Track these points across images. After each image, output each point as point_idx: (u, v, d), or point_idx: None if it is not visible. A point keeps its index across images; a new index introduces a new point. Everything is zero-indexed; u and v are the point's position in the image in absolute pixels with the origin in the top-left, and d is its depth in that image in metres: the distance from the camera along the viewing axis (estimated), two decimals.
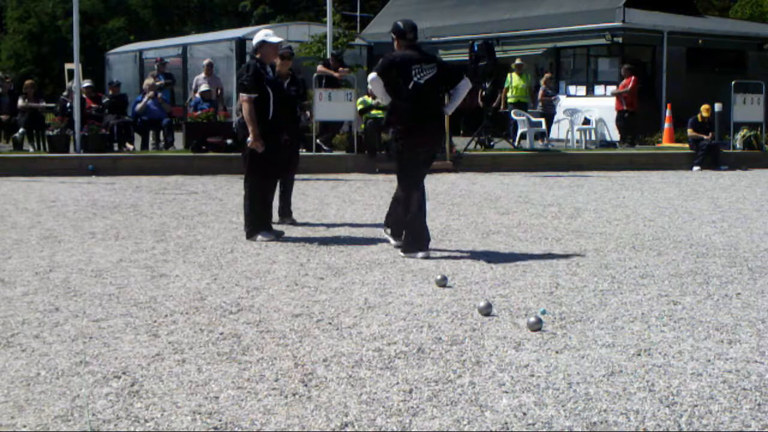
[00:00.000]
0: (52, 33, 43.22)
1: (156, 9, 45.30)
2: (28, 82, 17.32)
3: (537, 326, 4.88)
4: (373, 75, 7.30)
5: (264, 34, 7.88)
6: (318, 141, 15.56)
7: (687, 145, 17.65)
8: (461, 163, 15.46)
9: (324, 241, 7.89)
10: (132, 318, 5.10)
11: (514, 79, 18.53)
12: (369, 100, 14.99)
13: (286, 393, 3.83)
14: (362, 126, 15.15)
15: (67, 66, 23.49)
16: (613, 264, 6.91)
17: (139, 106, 16.90)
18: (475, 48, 17.24)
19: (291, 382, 3.97)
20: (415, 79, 7.13)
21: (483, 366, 4.24)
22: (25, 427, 3.43)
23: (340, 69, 15.98)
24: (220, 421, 3.50)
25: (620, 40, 21.78)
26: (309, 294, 5.77)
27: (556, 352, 4.48)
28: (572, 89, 23.03)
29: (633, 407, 3.70)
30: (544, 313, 5.19)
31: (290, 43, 12.11)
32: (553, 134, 19.82)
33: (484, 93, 17.85)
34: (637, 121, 19.73)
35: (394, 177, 7.76)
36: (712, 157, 16.88)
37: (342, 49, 19.53)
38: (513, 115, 18.43)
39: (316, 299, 5.62)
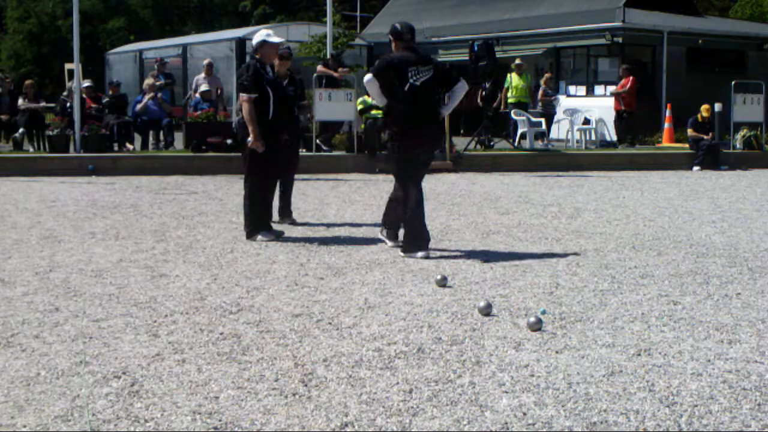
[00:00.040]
0: (52, 33, 43.22)
1: (156, 9, 45.30)
2: (28, 82, 17.32)
3: (537, 326, 4.88)
4: (368, 76, 7.35)
5: (265, 34, 7.88)
6: (318, 141, 15.56)
7: (687, 145, 17.65)
8: (461, 163, 15.46)
9: (324, 241, 7.89)
10: (132, 318, 5.10)
11: (513, 79, 18.53)
12: (369, 100, 14.98)
13: (286, 393, 3.83)
14: (362, 126, 15.15)
15: (67, 66, 23.50)
16: (613, 264, 6.91)
17: (139, 106, 16.90)
18: (475, 48, 17.24)
19: (291, 382, 3.97)
20: (411, 80, 7.16)
21: (483, 366, 4.24)
22: (25, 427, 3.43)
23: (340, 69, 15.98)
24: (220, 421, 3.50)
25: (620, 40, 21.79)
26: (309, 294, 5.77)
27: (556, 352, 4.48)
28: (572, 89, 23.03)
29: (633, 407, 3.70)
30: (544, 313, 5.19)
31: (290, 43, 12.11)
32: (553, 134, 19.83)
33: (484, 93, 17.85)
34: (636, 121, 19.73)
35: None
36: (712, 157, 16.88)
37: (342, 49, 19.53)
38: (513, 115, 18.43)
39: (316, 299, 5.62)
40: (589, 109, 20.46)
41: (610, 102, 20.05)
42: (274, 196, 8.35)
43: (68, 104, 15.85)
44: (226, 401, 3.73)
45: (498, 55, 19.12)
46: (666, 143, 19.95)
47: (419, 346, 4.56)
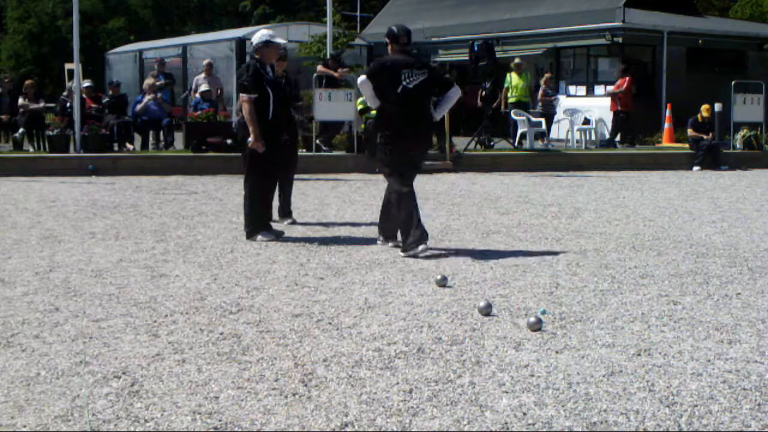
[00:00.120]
0: (52, 33, 43.23)
1: (156, 9, 45.31)
2: (28, 82, 17.33)
3: (537, 326, 4.88)
4: (362, 78, 7.45)
5: (267, 34, 7.88)
6: (318, 141, 15.56)
7: (687, 145, 17.65)
8: (461, 163, 15.46)
9: (324, 241, 7.89)
10: (132, 318, 5.10)
11: (513, 79, 18.52)
12: None
13: (286, 393, 3.83)
14: (362, 126, 15.15)
15: (67, 66, 23.50)
16: (613, 264, 6.91)
17: (139, 106, 16.91)
18: (475, 48, 17.26)
19: (291, 382, 3.97)
20: (404, 83, 7.24)
21: (483, 366, 4.24)
22: (25, 427, 3.43)
23: (340, 69, 15.98)
24: (220, 421, 3.50)
25: (620, 40, 21.79)
26: (309, 294, 5.77)
27: (556, 352, 4.48)
28: (572, 89, 23.04)
29: (633, 407, 3.70)
30: (544, 313, 5.19)
31: (290, 43, 12.12)
32: (553, 134, 19.83)
33: (484, 93, 17.85)
34: (633, 121, 19.74)
35: None
36: (712, 157, 16.88)
37: (342, 49, 19.52)
38: (513, 115, 18.43)
39: (316, 299, 5.62)
40: (589, 109, 20.46)
41: (608, 102, 20.07)
42: (274, 196, 8.35)
43: (68, 104, 15.85)
44: (226, 401, 3.73)
45: (498, 55, 19.12)
46: (666, 143, 19.95)
47: (419, 346, 4.56)
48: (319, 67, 16.27)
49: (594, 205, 10.82)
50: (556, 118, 19.83)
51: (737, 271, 6.68)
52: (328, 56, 16.76)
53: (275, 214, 8.72)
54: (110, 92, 17.24)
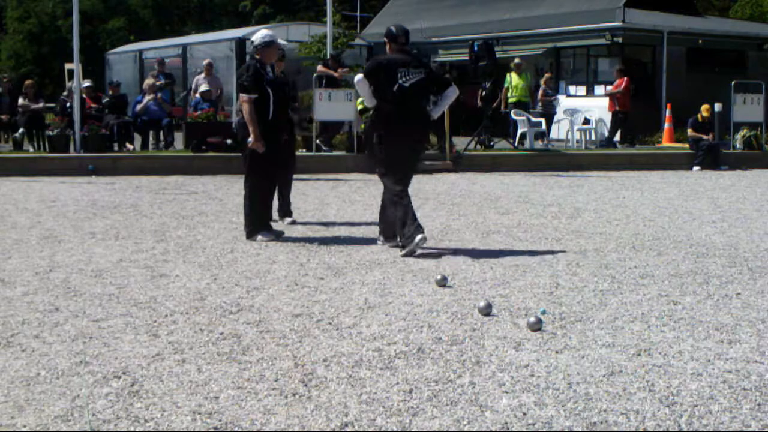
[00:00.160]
0: (52, 33, 43.24)
1: (156, 9, 45.32)
2: (28, 82, 17.32)
3: (537, 326, 4.88)
4: (359, 76, 7.53)
5: (268, 35, 7.89)
6: (318, 141, 15.57)
7: (687, 145, 17.66)
8: (461, 163, 15.46)
9: (324, 241, 7.89)
10: (132, 318, 5.10)
11: (513, 79, 18.53)
12: None
13: (286, 393, 3.83)
14: (362, 126, 15.15)
15: (67, 66, 23.52)
16: (613, 264, 6.91)
17: (139, 106, 16.91)
18: (475, 48, 17.26)
19: (291, 382, 3.97)
20: (400, 81, 7.28)
21: (483, 366, 4.24)
22: (25, 427, 3.43)
23: (340, 69, 15.98)
24: (220, 421, 3.50)
25: (620, 40, 21.80)
26: (309, 294, 5.78)
27: (556, 352, 4.48)
28: (572, 89, 23.04)
29: (633, 407, 3.70)
30: (544, 313, 5.19)
31: (290, 43, 12.11)
32: (553, 134, 19.83)
33: (484, 93, 17.85)
34: (632, 121, 19.75)
35: None
36: (712, 157, 16.89)
37: (342, 49, 19.52)
38: (513, 115, 18.44)
39: (316, 299, 5.62)
40: (589, 109, 20.47)
41: (605, 103, 20.07)
42: (274, 196, 8.36)
43: (68, 104, 15.85)
44: (226, 401, 3.73)
45: (498, 55, 19.13)
46: (666, 143, 19.95)
47: (419, 346, 4.56)
48: (319, 67, 16.27)
49: (594, 205, 10.82)
50: (556, 118, 19.83)
51: (737, 271, 6.68)
52: (328, 56, 16.76)
53: (275, 215, 8.72)
54: (110, 92, 17.24)
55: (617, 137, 19.94)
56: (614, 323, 5.08)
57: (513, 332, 4.85)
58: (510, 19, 24.31)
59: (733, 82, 18.02)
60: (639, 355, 4.45)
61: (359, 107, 15.13)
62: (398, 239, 7.42)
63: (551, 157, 16.99)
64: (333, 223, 9.08)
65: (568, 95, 22.51)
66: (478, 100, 18.19)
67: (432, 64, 20.40)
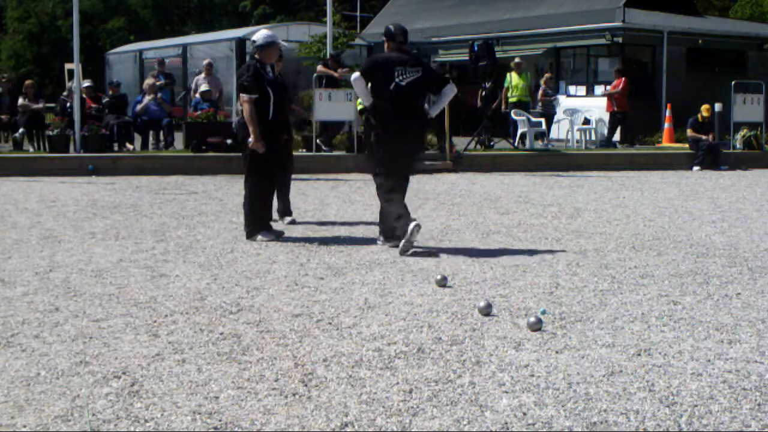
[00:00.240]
0: (52, 33, 43.24)
1: (156, 9, 45.32)
2: (28, 82, 17.32)
3: (537, 326, 4.88)
4: (355, 74, 7.55)
5: (270, 35, 7.89)
6: (318, 141, 15.56)
7: (687, 145, 17.66)
8: (461, 163, 15.46)
9: (324, 241, 7.89)
10: (132, 318, 5.10)
11: (513, 79, 18.52)
12: None
13: (286, 393, 3.83)
14: (362, 126, 15.13)
15: (67, 66, 23.51)
16: (613, 264, 6.91)
17: (139, 107, 16.91)
18: (475, 48, 17.26)
19: (291, 382, 3.97)
20: (396, 80, 7.31)
21: (483, 366, 4.24)
22: (25, 427, 3.43)
23: (340, 69, 15.98)
24: (220, 421, 3.50)
25: (620, 40, 21.80)
26: (309, 294, 5.77)
27: (556, 352, 4.48)
28: (572, 89, 23.04)
29: (633, 407, 3.70)
30: (544, 313, 5.19)
31: (288, 43, 12.11)
32: (553, 134, 19.83)
33: (484, 93, 17.85)
34: (632, 121, 19.76)
35: None
36: (712, 157, 16.89)
37: (342, 49, 19.52)
38: (513, 115, 18.44)
39: (316, 299, 5.62)
40: (589, 109, 20.47)
41: (603, 103, 20.07)
42: (274, 196, 8.36)
43: (68, 104, 15.85)
44: (226, 401, 3.73)
45: (498, 55, 19.13)
46: (666, 143, 19.95)
47: (419, 346, 4.56)
48: (319, 67, 16.27)
49: (594, 205, 10.82)
50: (556, 118, 19.84)
51: (737, 271, 6.68)
52: (328, 56, 16.76)
53: (275, 215, 8.72)
54: (110, 92, 17.24)
55: (617, 137, 19.95)
56: (614, 323, 5.08)
57: (513, 332, 4.85)
58: (510, 19, 24.31)
59: (733, 82, 18.03)
60: (639, 355, 4.45)
61: (359, 107, 15.12)
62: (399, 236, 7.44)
63: (551, 157, 16.99)
64: (333, 223, 9.08)
65: (568, 95, 22.52)
66: (478, 100, 18.19)
67: (432, 64, 20.43)
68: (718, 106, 17.77)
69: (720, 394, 3.88)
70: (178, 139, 16.84)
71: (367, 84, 7.43)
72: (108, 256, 7.04)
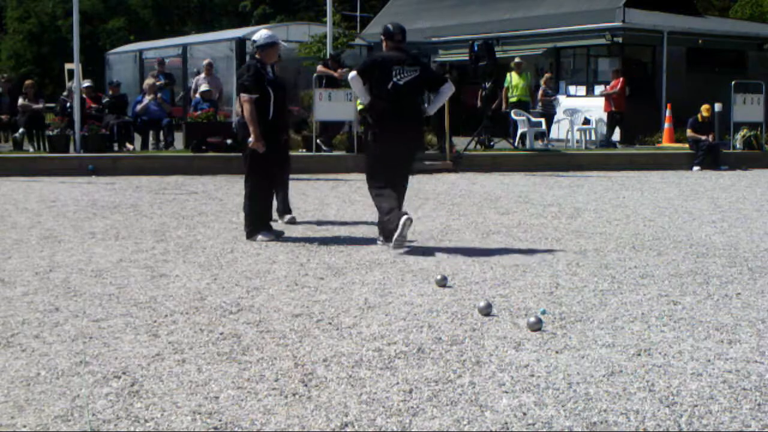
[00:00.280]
0: (52, 33, 43.25)
1: (156, 9, 45.32)
2: (28, 82, 17.32)
3: (537, 326, 4.88)
4: (353, 73, 7.57)
5: (271, 35, 7.90)
6: (318, 141, 15.56)
7: (687, 145, 17.66)
8: (461, 163, 15.47)
9: (324, 241, 7.89)
10: (132, 318, 5.10)
11: (513, 78, 18.53)
12: None
13: (286, 393, 3.83)
14: (362, 126, 15.13)
15: (67, 66, 23.51)
16: (613, 264, 6.91)
17: (139, 107, 16.91)
18: (475, 48, 17.26)
19: (291, 382, 3.97)
20: (394, 79, 7.33)
21: (483, 366, 4.24)
22: (25, 427, 3.43)
23: (340, 70, 15.98)
24: (220, 421, 3.50)
25: (620, 40, 21.80)
26: (309, 294, 5.77)
27: (556, 352, 4.48)
28: (572, 89, 23.04)
29: (633, 407, 3.70)
30: (544, 313, 5.19)
31: (288, 43, 12.11)
32: (553, 134, 19.84)
33: (484, 93, 17.85)
34: (631, 121, 19.76)
35: None
36: (712, 157, 16.89)
37: (342, 49, 19.51)
38: (513, 115, 18.45)
39: (316, 299, 5.62)
40: (589, 109, 20.47)
41: (602, 103, 20.07)
42: (273, 195, 8.36)
43: (68, 104, 15.85)
44: (226, 401, 3.73)
45: (498, 55, 19.13)
46: (666, 143, 19.96)
47: (419, 346, 4.56)
48: (319, 67, 16.27)
49: (594, 205, 10.82)
50: (556, 118, 19.84)
51: (737, 271, 6.68)
52: (328, 56, 16.76)
53: (275, 215, 8.72)
54: (110, 92, 17.25)
55: (617, 137, 19.94)
56: (614, 323, 5.08)
57: (513, 332, 4.85)
58: (510, 19, 24.31)
59: (733, 82, 18.03)
60: (639, 355, 4.45)
61: (359, 107, 15.11)
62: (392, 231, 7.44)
63: (551, 157, 16.99)
64: (333, 223, 9.08)
65: (568, 95, 22.52)
66: (478, 100, 18.19)
67: (432, 64, 20.44)
68: (718, 106, 17.78)
69: (720, 394, 3.88)
70: (178, 139, 16.84)
71: (364, 83, 7.44)
72: (108, 256, 7.04)
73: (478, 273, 6.48)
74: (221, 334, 4.77)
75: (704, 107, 17.38)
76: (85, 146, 14.74)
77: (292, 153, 14.32)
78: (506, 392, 3.87)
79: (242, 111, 7.86)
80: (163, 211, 9.79)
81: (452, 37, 24.84)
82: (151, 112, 16.85)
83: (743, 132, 17.94)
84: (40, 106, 16.67)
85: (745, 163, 17.15)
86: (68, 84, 18.56)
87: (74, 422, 3.47)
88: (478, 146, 17.37)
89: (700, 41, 22.93)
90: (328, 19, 17.25)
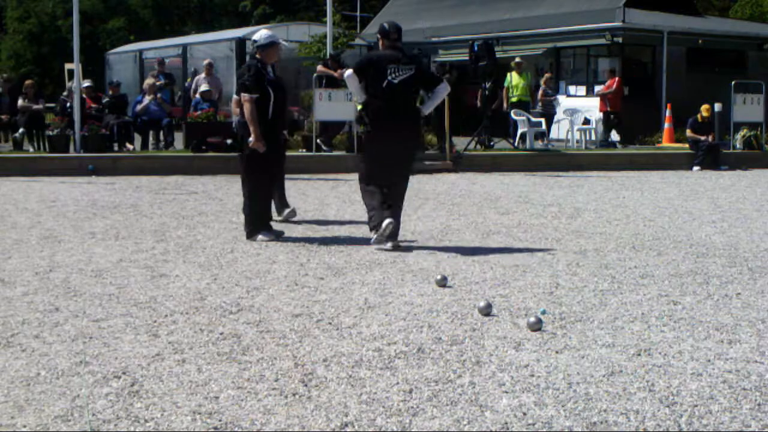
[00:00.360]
0: (52, 33, 43.24)
1: (156, 9, 45.32)
2: (28, 82, 17.32)
3: (537, 326, 4.88)
4: (349, 72, 7.61)
5: (271, 35, 7.91)
6: (318, 141, 15.57)
7: (687, 145, 17.66)
8: (461, 163, 15.47)
9: (324, 241, 7.89)
10: (132, 318, 5.10)
11: (514, 78, 18.53)
12: None
13: (286, 393, 3.83)
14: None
15: (67, 66, 23.51)
16: (613, 264, 6.91)
17: (139, 107, 16.91)
18: (475, 48, 17.26)
19: (291, 382, 3.97)
20: (389, 78, 7.35)
21: (483, 366, 4.24)
22: (25, 427, 3.43)
23: (340, 70, 15.97)
24: (220, 421, 3.50)
25: (620, 40, 21.80)
26: (309, 294, 5.77)
27: (556, 352, 4.48)
28: (572, 89, 23.04)
29: (633, 407, 3.70)
30: (544, 313, 5.19)
31: (288, 43, 12.11)
32: (553, 134, 19.84)
33: (486, 93, 17.84)
34: (629, 121, 19.76)
35: None
36: (712, 157, 16.89)
37: (342, 49, 19.51)
38: (513, 115, 18.45)
39: (316, 299, 5.62)
40: (589, 109, 20.47)
41: (597, 103, 20.07)
42: (273, 195, 8.38)
43: (68, 104, 15.85)
44: (226, 401, 3.73)
45: (498, 55, 19.13)
46: (666, 143, 19.96)
47: (419, 346, 4.56)
48: (319, 67, 16.27)
49: (594, 205, 10.82)
50: (556, 118, 19.84)
51: (737, 271, 6.68)
52: (328, 56, 16.77)
53: (275, 214, 8.72)
54: (110, 92, 17.25)
55: (616, 137, 19.94)
56: (614, 323, 5.08)
57: (513, 332, 4.85)
58: (510, 19, 24.31)
59: (733, 82, 18.03)
60: (639, 355, 4.45)
61: (359, 107, 15.10)
62: (398, 240, 7.45)
63: (551, 157, 16.99)
64: (333, 223, 9.08)
65: (568, 95, 22.51)
66: (478, 100, 18.18)
67: (432, 64, 20.45)
68: (718, 106, 17.78)
69: (720, 394, 3.88)
70: (178, 139, 16.84)
71: (360, 81, 7.46)
72: (108, 256, 7.04)
73: (478, 273, 6.48)
74: (221, 334, 4.77)
75: (704, 107, 17.38)
76: (85, 146, 14.74)
77: (292, 153, 14.35)
78: (506, 392, 3.87)
79: (241, 111, 7.87)
80: (163, 211, 9.79)
81: (452, 37, 24.84)
82: (151, 112, 16.85)
83: (743, 132, 17.95)
84: (40, 106, 16.67)
85: (745, 163, 17.15)
86: (68, 84, 18.56)
87: (74, 422, 3.47)
88: (478, 146, 17.37)
89: (700, 41, 22.93)
90: (328, 19, 17.25)
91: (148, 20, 45.09)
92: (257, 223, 7.91)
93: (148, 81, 17.97)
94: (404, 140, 7.58)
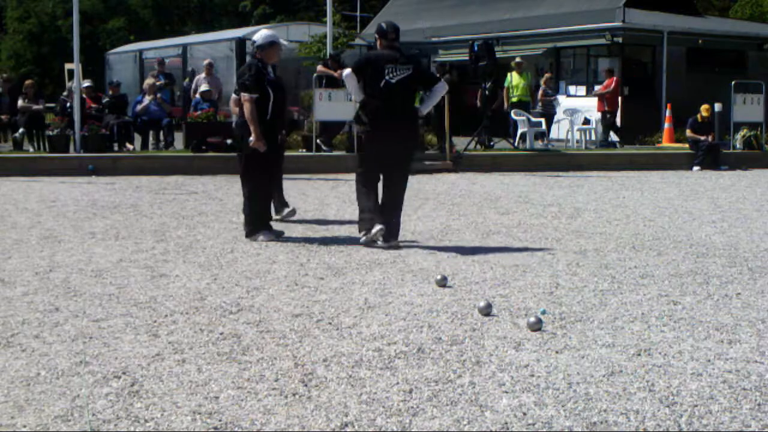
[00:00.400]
0: (52, 33, 43.26)
1: (156, 9, 45.33)
2: (28, 82, 17.31)
3: (537, 326, 4.88)
4: (347, 71, 7.63)
5: (272, 35, 7.91)
6: (318, 141, 15.57)
7: (687, 145, 17.66)
8: (461, 163, 15.47)
9: (324, 241, 7.89)
10: (132, 318, 5.10)
11: (514, 78, 18.53)
12: None
13: (286, 393, 3.83)
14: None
15: (67, 66, 23.51)
16: (613, 264, 6.91)
17: (139, 107, 16.91)
18: (475, 48, 17.26)
19: (291, 382, 3.97)
20: (387, 77, 7.36)
21: (483, 366, 4.24)
22: (25, 427, 3.43)
23: (340, 70, 15.97)
24: (220, 421, 3.50)
25: (620, 40, 21.80)
26: (309, 294, 5.77)
27: (556, 352, 4.48)
28: (572, 89, 23.04)
29: (633, 407, 3.70)
30: (544, 313, 5.19)
31: (288, 43, 12.11)
32: (553, 134, 19.84)
33: (486, 93, 17.84)
34: (627, 121, 19.77)
35: None
36: (712, 157, 16.89)
37: (342, 49, 19.52)
38: (513, 115, 18.45)
39: (316, 299, 5.62)
40: (589, 109, 20.47)
41: (596, 103, 20.07)
42: (272, 195, 8.38)
43: (68, 104, 15.85)
44: (226, 401, 3.73)
45: (498, 55, 19.13)
46: (666, 143, 19.96)
47: (419, 346, 4.56)
48: (319, 67, 16.28)
49: (594, 205, 10.82)
50: (556, 118, 19.84)
51: (737, 271, 6.68)
52: (328, 56, 16.77)
53: (275, 214, 8.72)
54: (110, 92, 17.25)
55: (615, 137, 19.94)
56: (614, 323, 5.08)
57: (513, 332, 4.85)
58: (510, 19, 24.31)
59: (733, 82, 18.03)
60: (639, 355, 4.45)
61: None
62: (398, 240, 7.46)
63: (551, 157, 16.99)
64: (333, 223, 9.08)
65: (568, 95, 22.51)
66: (478, 100, 18.18)
67: (432, 64, 20.45)
68: (718, 106, 17.78)
69: (720, 394, 3.88)
70: (178, 139, 16.84)
71: (358, 80, 7.48)
72: (108, 256, 7.04)
73: (478, 273, 6.48)
74: (221, 334, 4.77)
75: (704, 107, 17.38)
76: (85, 146, 14.74)
77: (292, 153, 14.36)
78: (506, 392, 3.87)
79: (240, 110, 7.88)
80: (163, 211, 9.79)
81: (452, 37, 24.84)
82: (151, 112, 16.85)
83: (743, 132, 17.95)
84: (40, 106, 16.66)
85: (745, 163, 17.15)
86: (68, 84, 18.56)
87: (74, 422, 3.47)
88: (478, 146, 17.37)
89: (700, 41, 22.94)
90: (328, 19, 17.25)
91: (148, 20, 45.10)
92: (257, 223, 7.91)
93: (148, 81, 17.97)
94: (403, 140, 7.58)
